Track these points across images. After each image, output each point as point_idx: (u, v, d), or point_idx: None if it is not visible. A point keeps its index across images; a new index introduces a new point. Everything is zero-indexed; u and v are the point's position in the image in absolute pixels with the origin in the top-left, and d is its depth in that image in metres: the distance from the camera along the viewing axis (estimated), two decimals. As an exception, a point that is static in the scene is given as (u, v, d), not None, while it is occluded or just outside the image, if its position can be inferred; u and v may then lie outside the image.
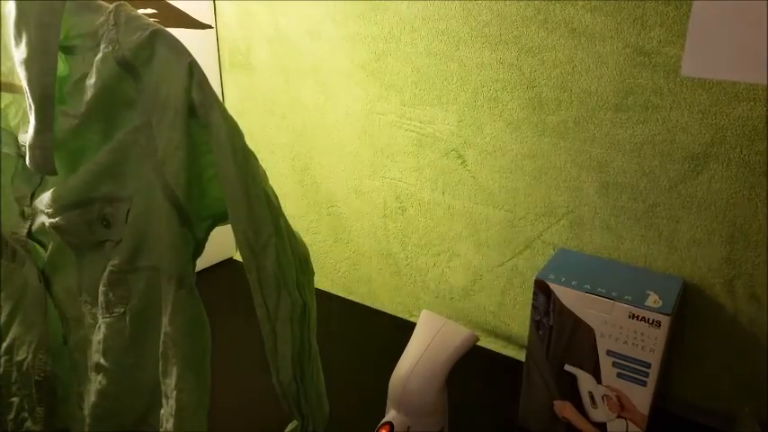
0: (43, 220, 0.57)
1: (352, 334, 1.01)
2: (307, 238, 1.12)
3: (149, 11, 0.97)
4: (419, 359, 0.67)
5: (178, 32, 1.01)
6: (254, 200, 0.54)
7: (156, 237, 0.54)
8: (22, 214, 0.61)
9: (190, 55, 0.50)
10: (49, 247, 0.61)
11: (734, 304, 0.76)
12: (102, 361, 0.58)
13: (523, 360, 0.80)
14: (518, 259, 0.90)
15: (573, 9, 0.76)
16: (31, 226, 0.61)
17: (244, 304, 1.08)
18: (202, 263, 1.16)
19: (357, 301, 1.10)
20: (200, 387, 0.56)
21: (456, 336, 0.68)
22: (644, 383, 0.71)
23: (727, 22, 0.67)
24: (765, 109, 0.69)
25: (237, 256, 1.23)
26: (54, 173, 0.54)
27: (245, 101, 1.10)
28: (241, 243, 0.55)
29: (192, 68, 0.50)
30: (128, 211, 0.54)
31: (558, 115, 0.81)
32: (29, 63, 0.51)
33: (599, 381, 0.73)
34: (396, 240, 1.01)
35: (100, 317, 0.57)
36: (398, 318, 1.05)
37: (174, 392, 0.54)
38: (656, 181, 0.77)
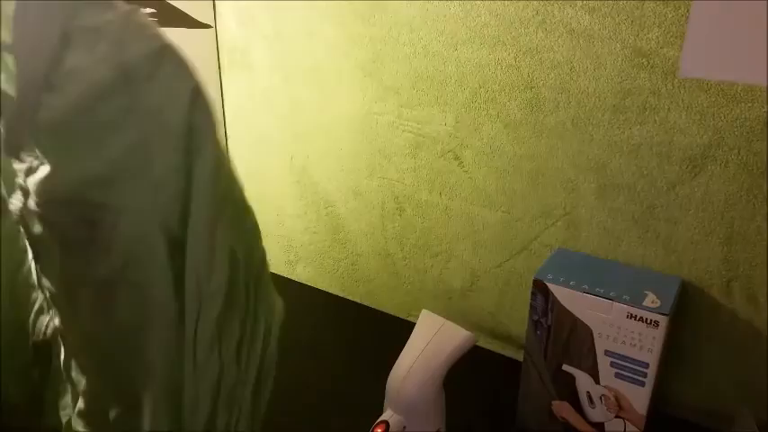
0: (31, 204, 0.55)
1: (350, 334, 1.01)
2: (305, 238, 1.12)
3: (149, 10, 0.97)
4: (417, 359, 0.67)
5: (178, 32, 1.02)
6: (218, 248, 0.50)
7: (139, 262, 0.51)
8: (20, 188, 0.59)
9: (195, 77, 0.48)
10: (34, 233, 0.58)
11: (732, 305, 0.76)
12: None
13: (521, 360, 0.80)
14: (516, 260, 0.90)
15: (571, 10, 0.76)
16: (25, 202, 0.58)
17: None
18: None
19: (355, 300, 1.10)
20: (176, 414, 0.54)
21: (455, 337, 0.68)
22: (642, 383, 0.71)
23: (725, 23, 0.68)
24: (763, 110, 0.69)
25: (236, 257, 1.23)
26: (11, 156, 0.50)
27: (244, 100, 1.10)
28: (189, 282, 0.50)
29: (197, 92, 0.48)
30: (113, 226, 0.52)
31: (555, 116, 0.81)
32: (18, 44, 0.48)
33: (597, 381, 0.74)
34: (394, 241, 1.01)
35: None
36: (396, 318, 1.05)
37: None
38: (654, 182, 0.77)
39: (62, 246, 0.54)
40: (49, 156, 0.51)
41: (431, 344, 0.68)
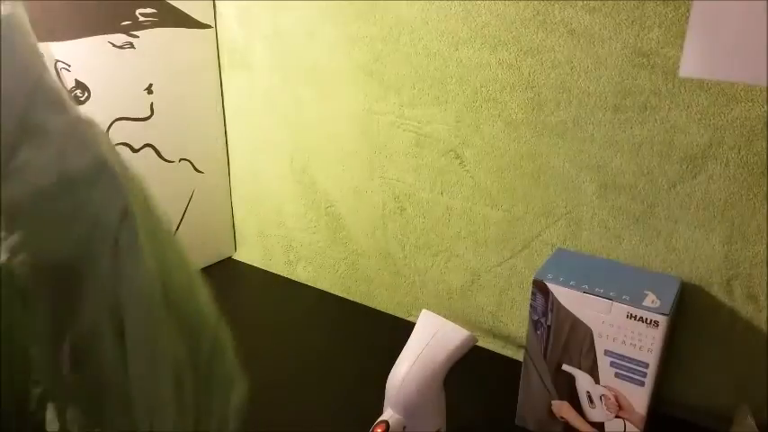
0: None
1: (351, 333, 1.01)
2: (305, 238, 1.12)
3: (149, 10, 0.97)
4: (417, 359, 0.67)
5: (178, 32, 1.02)
6: (160, 361, 0.50)
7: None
8: None
9: (126, 197, 0.49)
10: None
11: (732, 304, 0.76)
12: None
13: (521, 360, 0.80)
14: (516, 259, 0.90)
15: (572, 10, 0.76)
16: None
17: (243, 303, 1.09)
18: (202, 262, 1.16)
19: (355, 300, 1.10)
20: None
21: (455, 337, 0.68)
22: (642, 383, 0.71)
23: (726, 23, 0.68)
24: (763, 109, 0.69)
25: (237, 256, 1.23)
26: None
27: (244, 100, 1.10)
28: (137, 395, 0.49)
29: (124, 212, 0.49)
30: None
31: (556, 116, 0.81)
32: None
33: (597, 380, 0.74)
34: (394, 240, 1.01)
35: None
36: (397, 317, 1.05)
37: None
38: (655, 181, 0.77)
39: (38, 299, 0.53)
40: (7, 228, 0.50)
41: (431, 344, 0.68)
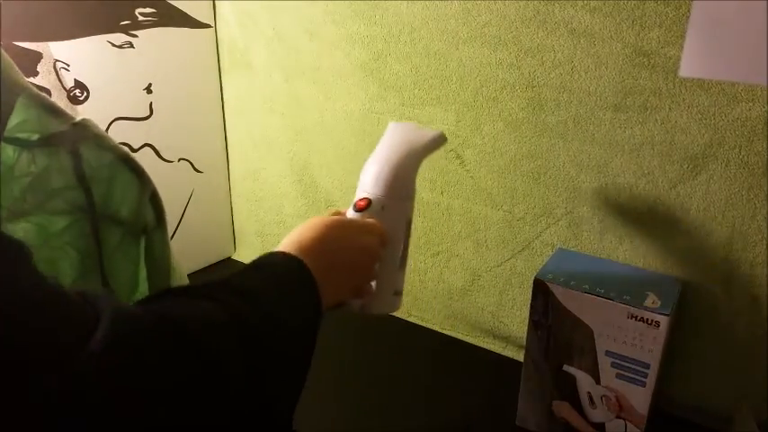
0: None
1: (350, 333, 1.01)
2: (305, 238, 1.12)
3: (148, 10, 0.97)
4: (396, 149, 0.68)
5: (178, 32, 1.02)
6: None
7: None
8: None
9: (151, 181, 0.56)
10: None
11: (732, 305, 0.76)
12: None
13: (522, 360, 0.80)
14: (517, 259, 0.90)
15: (572, 9, 0.76)
16: None
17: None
18: (202, 262, 1.16)
19: (356, 300, 1.10)
20: None
21: (427, 133, 0.70)
22: (643, 384, 0.71)
23: (726, 22, 0.67)
24: (764, 109, 0.69)
25: (237, 256, 1.23)
26: None
27: (244, 100, 1.10)
28: None
29: (154, 196, 0.56)
30: None
31: (557, 115, 0.81)
32: None
33: (598, 381, 0.74)
34: (394, 240, 1.01)
35: None
36: (396, 317, 1.05)
37: None
38: (655, 181, 0.77)
39: None
40: None
41: (407, 139, 0.69)
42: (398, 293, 0.72)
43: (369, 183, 0.67)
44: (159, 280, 0.59)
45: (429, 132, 0.70)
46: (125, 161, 0.56)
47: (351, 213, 0.67)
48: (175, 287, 0.49)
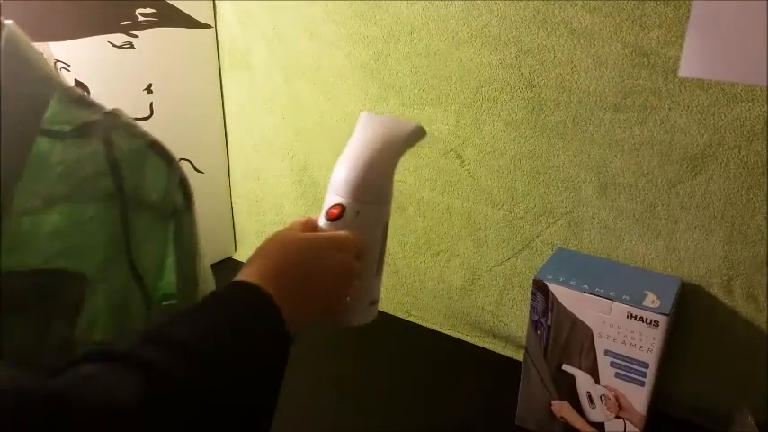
0: None
1: (349, 333, 1.01)
2: (305, 238, 1.12)
3: (149, 10, 0.97)
4: (369, 149, 0.62)
5: (178, 32, 1.02)
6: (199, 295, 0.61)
7: (122, 315, 0.56)
8: None
9: (180, 167, 0.57)
10: None
11: (732, 304, 0.76)
12: None
13: (522, 360, 0.80)
14: (517, 259, 0.90)
15: (572, 10, 0.76)
16: None
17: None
18: (201, 262, 1.16)
19: (356, 300, 1.10)
20: None
21: (406, 126, 0.64)
22: (642, 383, 0.71)
23: (726, 23, 0.68)
24: (764, 109, 0.69)
25: (237, 256, 1.23)
26: None
27: (245, 101, 1.10)
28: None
29: (183, 181, 0.57)
30: (84, 289, 0.54)
31: (556, 115, 0.81)
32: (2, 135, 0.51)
33: (597, 381, 0.74)
34: (394, 240, 1.01)
35: None
36: (396, 317, 1.05)
37: None
38: (655, 181, 0.77)
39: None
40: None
41: (382, 134, 0.63)
42: (374, 303, 0.66)
43: (341, 186, 0.60)
44: (186, 267, 0.59)
45: (406, 126, 0.63)
46: (154, 147, 0.57)
47: (323, 222, 0.60)
48: (109, 348, 0.43)
